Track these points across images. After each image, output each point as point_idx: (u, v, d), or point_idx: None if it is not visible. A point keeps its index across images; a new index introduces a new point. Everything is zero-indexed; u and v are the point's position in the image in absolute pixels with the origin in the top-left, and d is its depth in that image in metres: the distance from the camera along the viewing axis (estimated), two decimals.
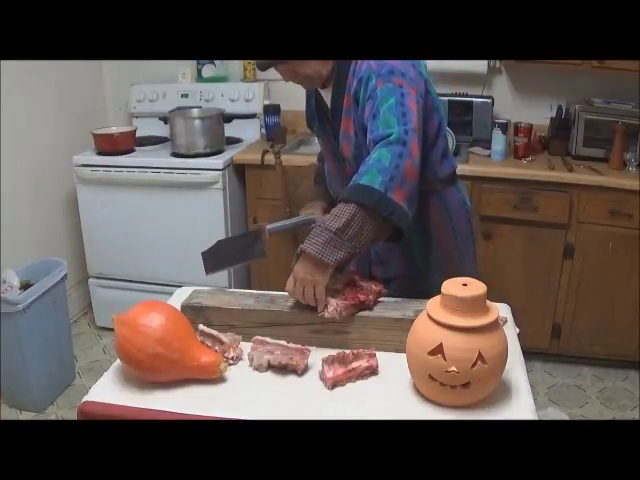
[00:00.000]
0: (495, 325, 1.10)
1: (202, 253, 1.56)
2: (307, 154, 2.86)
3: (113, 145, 2.86)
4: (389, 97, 1.33)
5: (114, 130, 2.95)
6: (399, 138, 1.29)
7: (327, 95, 1.55)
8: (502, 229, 2.63)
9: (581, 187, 2.50)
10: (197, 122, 2.80)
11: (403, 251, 1.56)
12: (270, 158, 2.63)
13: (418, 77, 1.42)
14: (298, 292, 1.30)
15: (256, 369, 1.25)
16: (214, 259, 1.57)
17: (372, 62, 1.38)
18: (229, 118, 2.89)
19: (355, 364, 1.21)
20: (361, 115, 1.43)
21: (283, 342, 1.24)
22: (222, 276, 2.85)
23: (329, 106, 1.56)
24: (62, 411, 2.52)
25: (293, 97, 3.16)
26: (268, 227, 1.58)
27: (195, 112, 2.89)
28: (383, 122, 1.32)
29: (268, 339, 1.25)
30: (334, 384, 1.19)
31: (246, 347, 1.29)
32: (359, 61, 1.41)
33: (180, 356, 1.17)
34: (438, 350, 1.07)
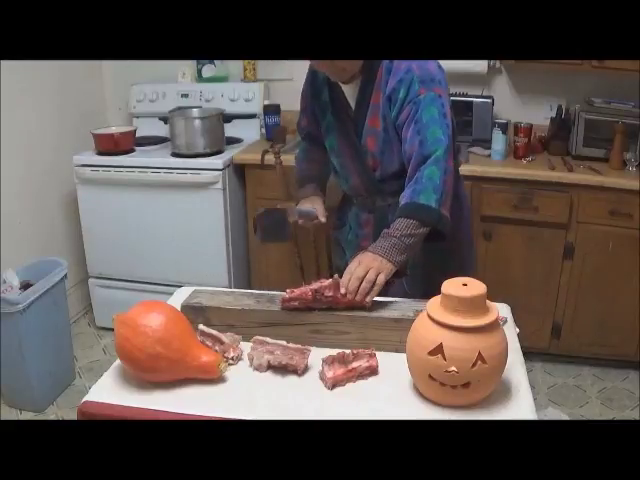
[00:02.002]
0: (495, 325, 1.10)
1: (256, 217, 1.55)
2: None
3: (113, 145, 2.86)
4: (432, 107, 1.43)
5: (114, 130, 2.95)
6: (444, 155, 1.42)
7: (349, 90, 1.58)
8: (502, 229, 2.63)
9: (581, 187, 2.50)
10: (197, 122, 2.79)
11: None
12: (270, 158, 2.63)
13: (446, 83, 1.49)
14: (360, 272, 1.33)
15: (256, 369, 1.25)
16: (265, 228, 1.55)
17: (413, 64, 1.45)
18: (229, 118, 2.89)
19: (355, 364, 1.21)
20: (396, 114, 1.48)
21: (283, 342, 1.24)
22: (222, 276, 2.86)
23: (353, 101, 1.58)
24: (62, 411, 2.52)
25: (293, 97, 3.17)
26: (298, 209, 1.59)
27: (195, 112, 2.89)
28: (431, 135, 1.42)
29: (268, 339, 1.25)
30: (334, 384, 1.19)
31: (246, 347, 1.29)
32: (395, 60, 1.47)
33: (180, 356, 1.17)
34: (438, 350, 1.07)
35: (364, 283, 1.33)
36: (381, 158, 1.58)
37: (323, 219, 1.70)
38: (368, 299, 1.33)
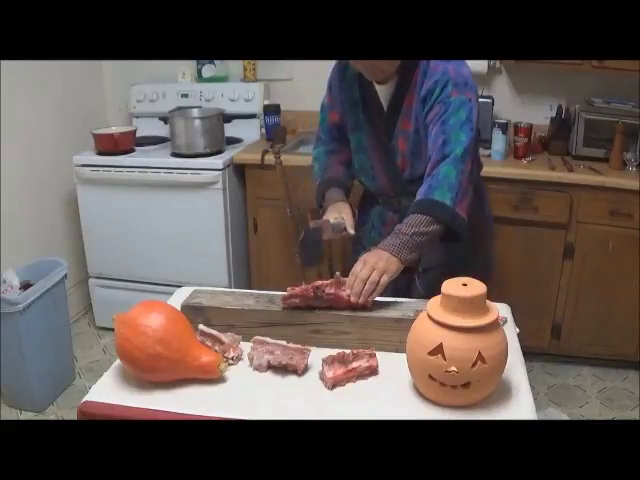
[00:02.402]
0: (495, 325, 1.10)
1: (299, 243, 1.42)
2: (307, 154, 2.84)
3: (113, 145, 2.86)
4: (461, 111, 1.46)
5: (114, 130, 2.95)
6: (462, 156, 1.44)
7: (383, 90, 1.58)
8: (502, 229, 2.62)
9: (581, 187, 2.50)
10: (197, 122, 2.79)
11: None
12: (270, 158, 2.63)
13: (477, 89, 1.52)
14: (364, 274, 1.33)
15: (256, 369, 1.25)
16: (306, 252, 1.43)
17: (449, 67, 1.47)
18: (229, 118, 2.89)
19: (355, 364, 1.21)
20: (426, 112, 1.50)
21: (283, 342, 1.24)
22: (222, 276, 2.85)
23: (386, 101, 1.59)
24: (62, 411, 2.52)
25: (293, 97, 3.18)
26: (331, 223, 1.51)
27: (195, 112, 2.89)
28: (455, 136, 1.44)
29: (268, 339, 1.25)
30: (334, 384, 1.19)
31: (246, 347, 1.29)
32: (432, 62, 1.49)
33: (180, 356, 1.17)
34: (438, 350, 1.07)
35: (367, 285, 1.32)
36: (411, 159, 1.59)
37: (352, 231, 1.61)
38: (370, 299, 1.33)
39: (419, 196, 1.46)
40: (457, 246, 1.53)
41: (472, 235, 1.57)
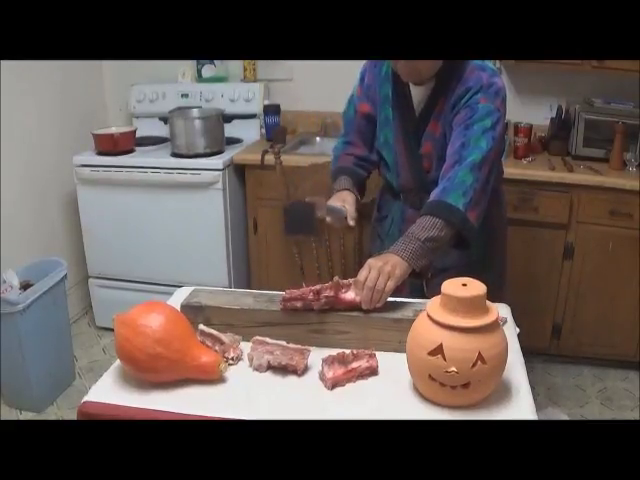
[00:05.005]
0: (495, 325, 1.10)
1: (284, 210, 1.42)
2: (307, 154, 2.86)
3: (113, 145, 2.86)
4: (486, 118, 1.47)
5: (114, 130, 2.95)
6: (480, 163, 1.45)
7: (418, 92, 1.59)
8: None
9: (581, 187, 2.50)
10: (197, 122, 2.79)
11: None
12: (270, 158, 2.63)
13: (506, 102, 1.54)
14: (372, 278, 1.32)
15: (256, 369, 1.25)
16: (292, 221, 1.43)
17: (483, 75, 1.51)
18: (229, 118, 2.89)
19: (355, 364, 1.21)
20: (454, 115, 1.52)
21: (283, 342, 1.24)
22: (222, 276, 2.86)
23: (419, 103, 1.60)
24: (62, 411, 2.52)
25: (293, 97, 3.18)
26: (327, 205, 1.49)
27: (195, 112, 2.89)
28: (475, 141, 1.46)
29: (268, 339, 1.25)
30: (334, 384, 1.19)
31: (246, 347, 1.29)
32: (468, 69, 1.51)
33: (180, 356, 1.17)
34: (438, 350, 1.07)
35: (375, 294, 1.32)
36: (436, 163, 1.60)
37: (352, 222, 1.59)
38: (378, 305, 1.33)
39: (433, 197, 1.46)
40: (476, 249, 1.53)
41: (491, 237, 1.57)
